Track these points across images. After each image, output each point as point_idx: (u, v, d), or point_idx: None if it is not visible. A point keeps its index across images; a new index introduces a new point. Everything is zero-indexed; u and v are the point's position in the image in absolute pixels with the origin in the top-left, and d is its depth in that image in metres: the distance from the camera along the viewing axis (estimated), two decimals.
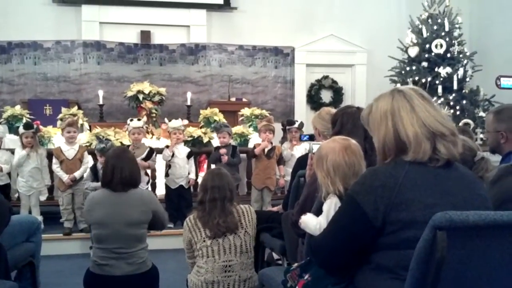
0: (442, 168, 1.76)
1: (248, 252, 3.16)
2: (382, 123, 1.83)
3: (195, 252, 3.15)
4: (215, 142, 6.69)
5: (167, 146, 6.30)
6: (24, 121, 6.81)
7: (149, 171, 6.21)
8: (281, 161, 6.50)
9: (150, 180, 6.30)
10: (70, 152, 5.84)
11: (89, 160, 5.93)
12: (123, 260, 3.23)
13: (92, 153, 6.11)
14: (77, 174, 5.75)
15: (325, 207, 2.05)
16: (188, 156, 6.30)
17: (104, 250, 3.24)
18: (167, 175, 6.26)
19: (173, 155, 6.18)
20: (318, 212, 2.12)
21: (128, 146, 6.02)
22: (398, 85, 8.43)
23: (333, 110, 3.47)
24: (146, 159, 5.96)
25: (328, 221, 1.93)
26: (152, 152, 6.08)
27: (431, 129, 1.75)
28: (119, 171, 3.28)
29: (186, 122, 6.72)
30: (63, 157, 5.78)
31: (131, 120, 6.09)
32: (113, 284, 3.22)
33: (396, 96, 1.84)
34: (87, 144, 6.43)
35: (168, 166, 6.24)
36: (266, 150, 6.37)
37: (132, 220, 3.27)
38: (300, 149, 6.31)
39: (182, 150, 6.29)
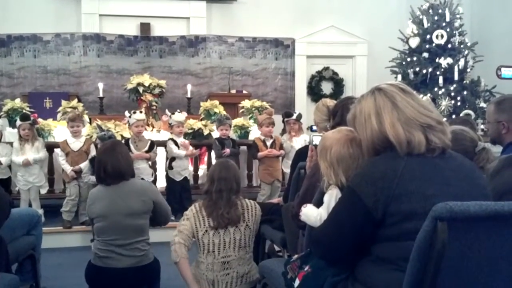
0: (439, 158, 1.75)
1: (247, 247, 3.17)
2: (367, 124, 1.84)
3: (197, 243, 3.15)
4: (215, 135, 6.67)
5: (173, 140, 6.26)
6: None
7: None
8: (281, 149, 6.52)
9: (154, 173, 6.29)
10: (75, 144, 5.87)
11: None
12: (124, 252, 3.24)
13: (97, 146, 6.12)
14: (82, 165, 5.75)
15: (326, 199, 2.04)
16: None
17: (104, 242, 3.25)
18: (170, 167, 6.22)
19: (178, 147, 6.17)
20: (319, 203, 2.11)
21: (128, 139, 6.01)
22: (399, 76, 8.42)
23: (330, 102, 3.46)
24: (149, 151, 5.98)
25: (329, 212, 1.93)
26: (153, 145, 6.08)
27: (418, 122, 1.75)
28: (103, 166, 3.31)
29: (185, 114, 6.71)
30: (68, 149, 5.82)
31: (134, 113, 6.07)
32: (114, 276, 3.23)
33: (378, 96, 1.84)
34: (88, 136, 6.42)
35: (172, 159, 6.21)
36: (268, 144, 6.38)
37: (132, 210, 3.27)
38: (299, 141, 6.31)
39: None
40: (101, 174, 3.32)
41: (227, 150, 6.17)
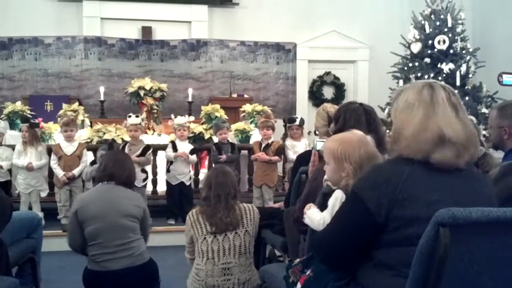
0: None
1: (247, 253, 3.17)
2: (403, 113, 1.81)
3: (195, 249, 3.14)
4: (216, 139, 6.67)
5: (173, 143, 6.27)
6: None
7: (148, 168, 6.20)
8: (279, 155, 6.46)
9: (149, 177, 6.28)
10: (68, 148, 5.84)
11: (88, 158, 5.93)
12: (120, 253, 3.24)
13: (91, 149, 6.12)
14: (75, 171, 5.74)
15: (330, 202, 2.03)
16: (191, 153, 6.27)
17: (100, 245, 3.24)
18: (168, 171, 6.23)
19: (176, 151, 6.17)
20: (321, 206, 2.11)
21: (127, 142, 6.02)
22: (401, 81, 8.40)
23: (330, 107, 3.45)
24: (141, 155, 5.92)
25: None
26: (147, 149, 6.03)
27: (441, 133, 1.71)
28: (120, 167, 3.40)
29: (192, 118, 6.73)
30: (61, 153, 5.80)
31: (129, 116, 6.07)
32: (112, 278, 3.22)
33: (424, 91, 1.80)
34: (88, 140, 6.42)
35: (170, 162, 6.22)
36: (262, 147, 6.35)
37: (127, 212, 3.31)
38: (300, 146, 6.28)
39: (186, 147, 6.27)
40: (116, 174, 3.37)
41: (223, 157, 6.14)
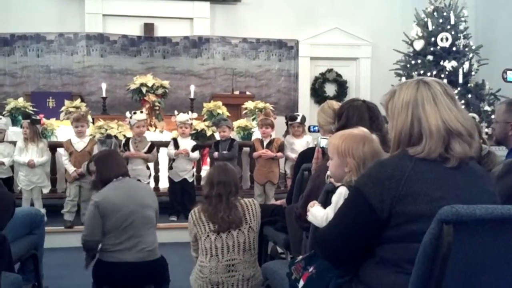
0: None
1: (251, 250, 3.16)
2: (403, 112, 1.79)
3: (199, 246, 3.14)
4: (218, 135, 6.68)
5: (174, 140, 6.28)
6: None
7: (151, 165, 6.20)
8: (282, 152, 6.45)
9: (152, 174, 6.29)
10: (79, 144, 5.88)
11: None
12: (134, 245, 3.27)
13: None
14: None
15: (334, 198, 2.02)
16: (193, 150, 6.28)
17: (116, 237, 3.26)
18: (170, 168, 6.25)
19: (178, 148, 6.17)
20: (323, 204, 2.10)
21: (129, 139, 6.02)
22: (403, 79, 8.38)
23: (336, 104, 3.43)
24: (148, 153, 5.99)
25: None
26: (153, 146, 6.09)
27: (449, 127, 1.71)
28: (120, 172, 3.48)
29: (195, 115, 6.73)
30: (72, 149, 5.83)
31: (135, 113, 6.07)
32: (124, 270, 3.24)
33: (421, 88, 1.79)
34: (90, 136, 6.42)
35: (172, 159, 6.24)
36: (265, 144, 6.35)
37: (146, 202, 3.41)
38: (299, 144, 6.28)
39: (188, 144, 6.28)
40: (119, 172, 3.47)
41: (215, 154, 6.18)
